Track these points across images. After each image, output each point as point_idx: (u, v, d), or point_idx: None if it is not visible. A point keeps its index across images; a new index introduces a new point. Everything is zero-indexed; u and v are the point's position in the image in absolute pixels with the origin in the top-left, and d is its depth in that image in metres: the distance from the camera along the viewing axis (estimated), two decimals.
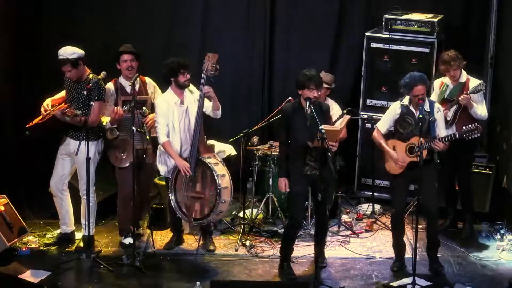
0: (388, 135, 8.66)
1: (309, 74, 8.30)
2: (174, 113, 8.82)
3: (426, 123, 8.34)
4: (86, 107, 8.85)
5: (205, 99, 8.76)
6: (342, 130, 8.66)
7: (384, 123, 8.67)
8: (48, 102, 8.97)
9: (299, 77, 8.36)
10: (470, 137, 8.29)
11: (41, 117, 8.91)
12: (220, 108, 8.89)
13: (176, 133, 8.83)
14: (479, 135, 8.35)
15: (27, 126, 8.94)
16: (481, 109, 9.18)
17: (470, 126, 8.31)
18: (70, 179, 9.24)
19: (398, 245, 8.77)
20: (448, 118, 9.15)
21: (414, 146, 8.35)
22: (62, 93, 9.13)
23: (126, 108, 8.91)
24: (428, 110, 8.36)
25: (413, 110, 8.45)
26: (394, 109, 8.59)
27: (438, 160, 8.54)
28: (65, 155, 9.07)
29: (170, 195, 8.88)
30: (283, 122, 8.48)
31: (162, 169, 9.01)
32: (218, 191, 8.61)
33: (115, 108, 8.94)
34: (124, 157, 9.05)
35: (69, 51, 8.79)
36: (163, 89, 9.11)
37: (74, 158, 8.95)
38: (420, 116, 8.29)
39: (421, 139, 8.23)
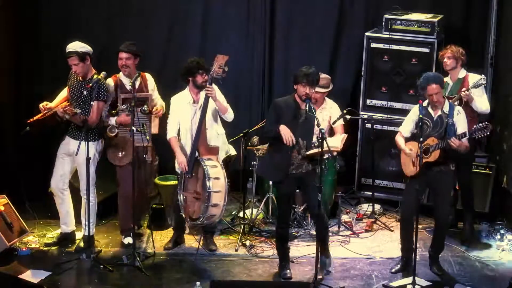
0: (410, 138, 8.63)
1: (305, 70, 8.28)
2: (186, 112, 8.84)
3: (444, 125, 8.34)
4: (86, 107, 8.87)
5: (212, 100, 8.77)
6: (341, 150, 8.73)
7: (405, 125, 8.67)
8: (46, 102, 8.99)
9: (297, 72, 8.37)
10: (480, 136, 8.26)
11: (42, 113, 8.92)
12: (228, 111, 8.87)
13: (187, 131, 8.85)
14: (489, 133, 8.26)
15: (28, 121, 8.95)
16: (482, 103, 9.20)
17: (480, 124, 8.27)
18: (70, 178, 9.25)
19: (407, 249, 8.64)
20: None
21: (429, 146, 8.34)
22: (63, 93, 9.13)
23: (125, 107, 8.93)
24: (447, 112, 8.36)
25: (431, 111, 8.45)
26: (414, 111, 8.59)
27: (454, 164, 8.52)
28: (65, 154, 9.07)
29: (179, 192, 8.86)
30: (273, 114, 8.36)
31: (176, 165, 9.02)
32: (207, 194, 8.57)
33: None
34: (122, 155, 9.05)
35: (78, 45, 8.86)
36: (167, 87, 9.13)
37: (74, 157, 8.96)
38: (420, 116, 8.28)
39: (421, 139, 8.22)
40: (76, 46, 8.86)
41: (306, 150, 8.36)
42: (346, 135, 8.82)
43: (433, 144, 8.34)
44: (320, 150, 8.12)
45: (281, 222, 8.64)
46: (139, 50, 9.18)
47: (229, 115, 8.92)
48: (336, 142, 8.64)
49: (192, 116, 8.85)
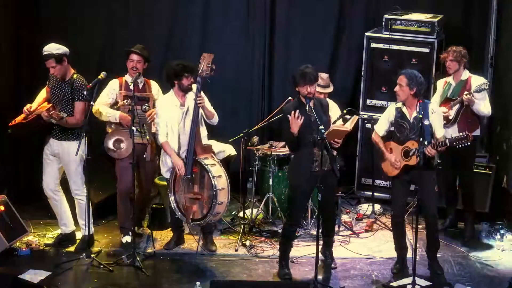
0: (388, 136, 8.64)
1: (302, 70, 8.30)
2: (174, 115, 8.81)
3: (420, 126, 8.33)
4: (71, 108, 8.87)
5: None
6: (351, 131, 8.69)
7: (381, 125, 8.67)
8: (29, 105, 8.96)
9: (294, 73, 8.39)
10: (459, 146, 8.24)
11: (24, 115, 8.91)
12: (214, 116, 8.88)
13: (174, 134, 8.82)
14: (469, 143, 8.25)
15: (10, 124, 8.94)
16: (484, 106, 9.21)
17: (460, 134, 8.27)
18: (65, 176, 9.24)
19: (400, 248, 8.74)
20: (450, 117, 9.17)
21: (409, 150, 8.35)
22: (43, 94, 9.10)
23: (126, 102, 8.93)
24: (422, 112, 8.34)
25: (406, 112, 8.43)
26: (389, 112, 8.59)
27: (439, 160, 8.53)
28: (50, 155, 9.05)
29: (169, 195, 8.88)
30: (286, 123, 8.37)
31: (163, 170, 9.02)
32: (214, 192, 8.59)
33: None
34: (123, 146, 9.01)
35: (54, 47, 8.82)
36: (165, 89, 9.12)
37: (59, 157, 8.96)
38: (420, 116, 8.27)
39: (421, 140, 8.21)
40: (52, 48, 8.81)
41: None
42: (357, 117, 8.80)
43: (412, 148, 8.31)
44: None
45: (293, 220, 8.62)
46: (150, 55, 9.18)
47: (215, 120, 8.94)
48: (346, 123, 8.65)
49: (180, 119, 8.84)
